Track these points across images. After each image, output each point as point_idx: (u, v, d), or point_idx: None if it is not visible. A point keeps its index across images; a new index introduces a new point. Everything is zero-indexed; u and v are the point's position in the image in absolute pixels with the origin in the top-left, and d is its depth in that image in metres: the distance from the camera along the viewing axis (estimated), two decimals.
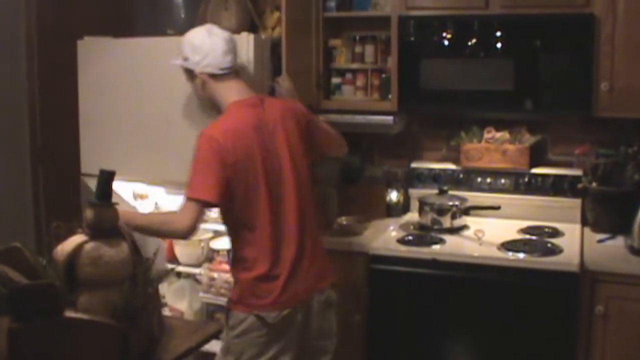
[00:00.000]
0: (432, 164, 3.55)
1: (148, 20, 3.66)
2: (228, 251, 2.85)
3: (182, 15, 3.49)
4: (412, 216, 3.47)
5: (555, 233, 3.18)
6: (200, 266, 3.14)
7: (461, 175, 3.47)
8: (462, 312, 2.93)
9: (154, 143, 2.96)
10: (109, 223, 1.72)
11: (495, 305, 2.87)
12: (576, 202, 3.30)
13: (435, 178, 3.49)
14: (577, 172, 3.30)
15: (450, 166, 3.51)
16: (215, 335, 2.05)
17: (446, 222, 3.24)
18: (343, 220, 3.32)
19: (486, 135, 3.43)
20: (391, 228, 3.31)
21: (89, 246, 1.68)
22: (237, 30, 3.07)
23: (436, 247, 3.03)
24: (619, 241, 3.02)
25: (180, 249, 3.12)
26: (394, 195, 3.57)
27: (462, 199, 3.31)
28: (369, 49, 3.40)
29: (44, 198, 3.56)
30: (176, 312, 3.10)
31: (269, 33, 3.19)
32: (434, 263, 2.93)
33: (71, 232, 1.79)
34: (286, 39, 2.96)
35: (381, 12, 3.34)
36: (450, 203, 3.27)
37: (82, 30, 3.21)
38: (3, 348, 1.57)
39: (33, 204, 3.57)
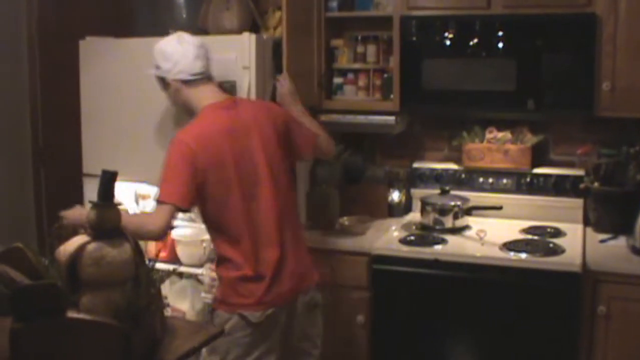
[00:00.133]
0: (434, 164, 3.55)
1: (149, 21, 3.66)
2: None
3: (184, 16, 3.49)
4: (414, 216, 3.47)
5: (557, 233, 3.17)
6: (202, 266, 3.13)
7: (463, 175, 3.47)
8: (464, 312, 2.93)
9: (156, 143, 2.95)
10: (111, 223, 1.71)
11: (497, 306, 2.87)
12: (578, 202, 3.29)
13: (437, 178, 3.49)
14: (579, 172, 3.30)
15: (452, 166, 3.51)
16: (218, 336, 2.05)
17: (448, 222, 3.24)
18: (345, 220, 3.32)
19: (488, 135, 3.42)
20: (393, 228, 3.31)
21: (92, 247, 1.68)
22: (238, 30, 3.08)
23: (438, 247, 3.03)
24: (621, 241, 3.02)
25: (182, 249, 3.12)
26: (395, 196, 3.57)
27: (464, 199, 3.31)
28: (371, 49, 3.39)
29: (45, 198, 3.56)
30: (178, 312, 3.09)
31: (271, 33, 3.19)
32: (436, 263, 2.93)
33: (73, 233, 1.80)
34: (288, 39, 2.96)
35: (383, 12, 3.34)
36: (452, 203, 3.26)
37: (84, 30, 3.22)
38: (5, 348, 1.56)
39: (35, 204, 3.57)
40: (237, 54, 2.88)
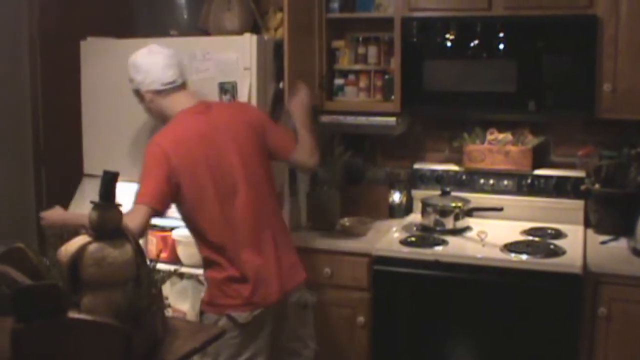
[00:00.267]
0: (435, 165, 3.55)
1: (150, 21, 3.66)
2: None
3: (185, 16, 3.49)
4: (415, 217, 3.47)
5: (558, 235, 3.17)
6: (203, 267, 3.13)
7: (464, 177, 3.47)
8: (464, 314, 2.93)
9: None
10: (112, 224, 1.72)
11: (497, 307, 2.87)
12: (579, 204, 3.29)
13: (438, 179, 3.49)
14: (580, 173, 3.30)
15: (453, 167, 3.51)
16: (219, 337, 2.05)
17: (449, 223, 3.24)
18: (346, 221, 3.32)
19: (489, 137, 3.42)
20: (394, 229, 3.31)
21: (93, 247, 1.68)
22: (239, 31, 3.08)
23: (439, 248, 3.03)
24: (622, 243, 3.02)
25: (183, 250, 3.11)
26: (396, 197, 3.57)
27: (465, 200, 3.31)
28: (372, 50, 3.40)
29: (46, 198, 3.56)
30: (179, 313, 3.09)
31: (272, 34, 3.19)
32: (436, 264, 2.93)
33: (74, 233, 1.80)
34: (289, 40, 2.96)
35: (384, 13, 3.34)
36: (453, 204, 3.26)
37: (85, 31, 3.22)
38: (6, 348, 1.57)
39: (36, 204, 3.57)
40: (238, 55, 2.89)
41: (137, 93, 2.61)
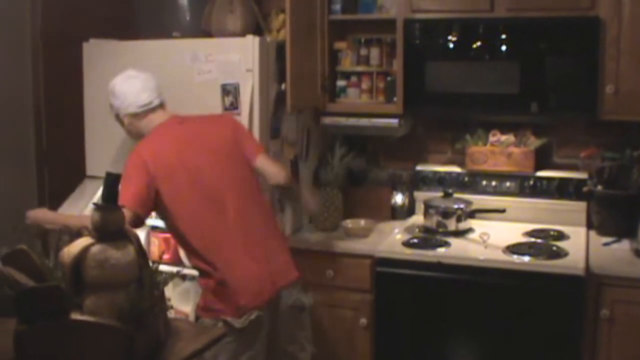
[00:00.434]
0: (437, 167, 3.55)
1: (153, 23, 3.66)
2: None
3: (187, 18, 3.50)
4: (417, 219, 3.47)
5: (561, 236, 3.17)
6: None
7: (466, 178, 3.47)
8: (467, 315, 2.93)
9: None
10: (115, 226, 1.72)
11: (500, 308, 2.87)
12: (581, 205, 3.29)
13: (441, 181, 3.49)
14: (583, 175, 3.30)
15: (456, 169, 3.51)
16: (221, 338, 2.05)
17: (451, 225, 3.23)
18: (348, 223, 3.32)
19: (491, 138, 3.42)
20: (396, 231, 3.31)
21: (95, 249, 1.68)
22: (242, 33, 3.09)
23: (441, 250, 3.03)
24: (625, 244, 3.02)
25: None
26: (399, 198, 3.57)
27: (467, 202, 3.31)
28: (374, 52, 3.39)
29: (49, 200, 3.55)
30: (181, 314, 3.10)
31: (275, 35, 3.19)
32: (439, 266, 2.93)
33: (77, 235, 1.80)
34: (291, 41, 2.96)
35: (386, 15, 3.34)
36: (456, 206, 3.26)
37: (87, 33, 3.23)
38: (9, 350, 1.57)
39: (38, 205, 3.56)
40: (240, 57, 2.89)
41: (117, 117, 2.71)
